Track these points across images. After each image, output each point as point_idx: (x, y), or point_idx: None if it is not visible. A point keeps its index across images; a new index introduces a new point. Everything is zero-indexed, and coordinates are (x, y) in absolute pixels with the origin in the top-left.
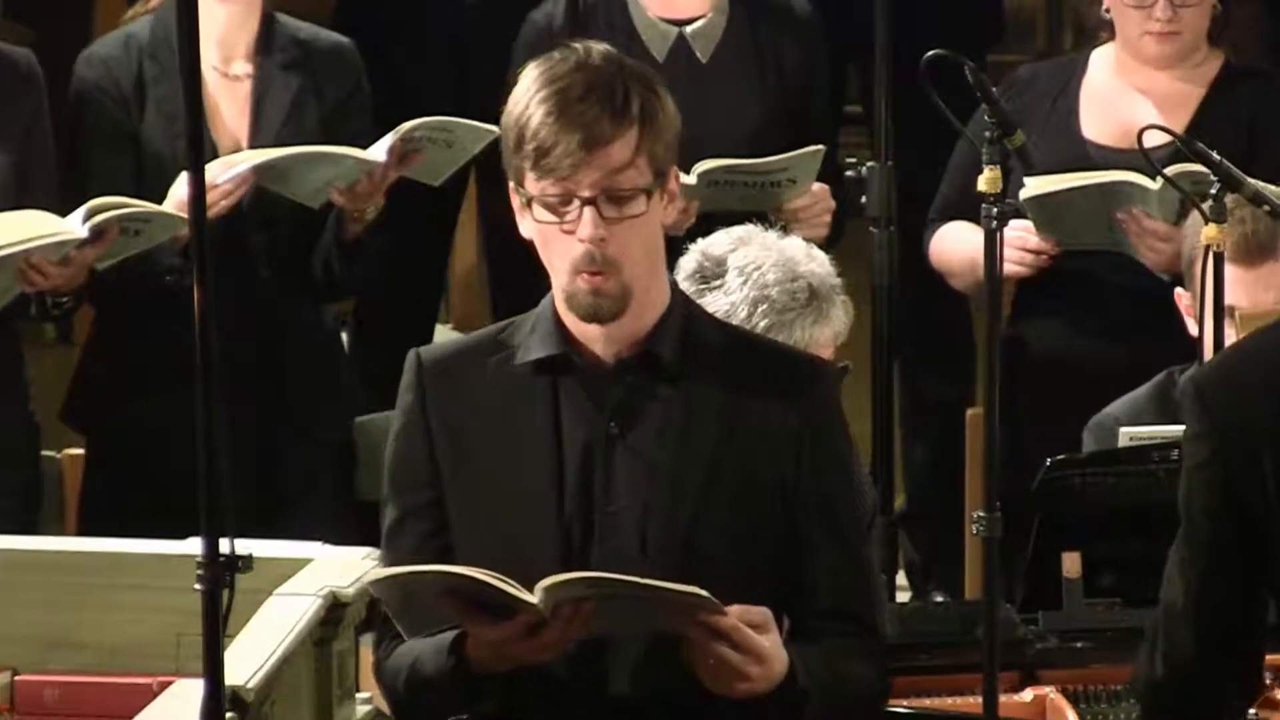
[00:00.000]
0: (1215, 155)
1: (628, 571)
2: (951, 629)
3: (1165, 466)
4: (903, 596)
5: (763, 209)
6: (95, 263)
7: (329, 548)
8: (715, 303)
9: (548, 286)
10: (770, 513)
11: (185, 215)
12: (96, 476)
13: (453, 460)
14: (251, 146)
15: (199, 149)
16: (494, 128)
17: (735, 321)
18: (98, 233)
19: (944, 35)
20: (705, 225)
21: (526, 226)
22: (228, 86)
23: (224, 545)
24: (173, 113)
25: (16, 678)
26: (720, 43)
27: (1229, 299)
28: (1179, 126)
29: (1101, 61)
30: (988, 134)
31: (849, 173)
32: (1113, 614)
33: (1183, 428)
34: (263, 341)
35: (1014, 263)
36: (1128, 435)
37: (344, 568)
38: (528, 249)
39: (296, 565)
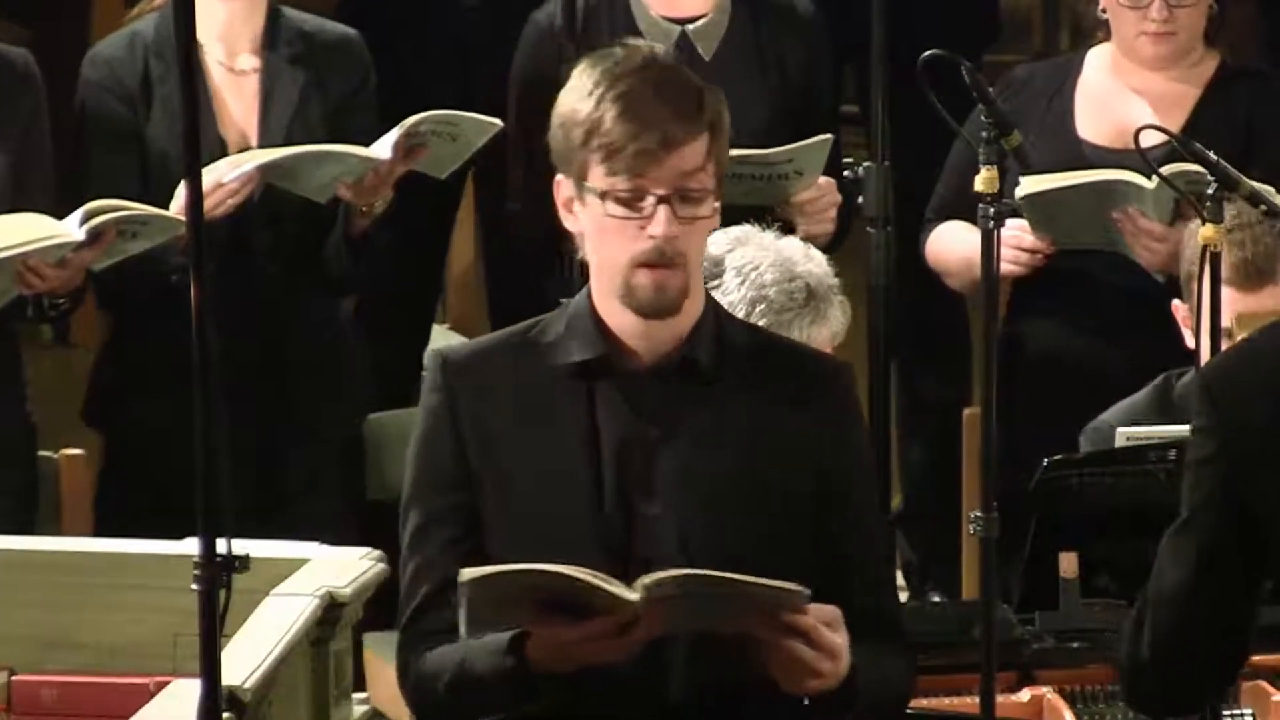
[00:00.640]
0: (1212, 155)
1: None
2: (948, 629)
3: (1162, 467)
4: (900, 597)
5: (770, 203)
6: (92, 265)
7: (326, 548)
8: None
9: (545, 286)
10: (802, 513)
11: (183, 218)
12: (110, 476)
13: (484, 461)
14: (259, 142)
15: (195, 149)
16: (497, 121)
17: None
18: (95, 235)
19: (941, 35)
20: None
21: (576, 220)
22: (234, 82)
23: (221, 545)
24: (179, 111)
25: (14, 678)
26: (723, 41)
27: (1227, 321)
28: (1175, 127)
29: (1097, 62)
30: (984, 134)
31: (846, 173)
32: (1110, 614)
33: (1180, 428)
34: (269, 339)
35: (1009, 262)
36: (1125, 435)
37: (341, 568)
38: (526, 249)
39: (293, 565)
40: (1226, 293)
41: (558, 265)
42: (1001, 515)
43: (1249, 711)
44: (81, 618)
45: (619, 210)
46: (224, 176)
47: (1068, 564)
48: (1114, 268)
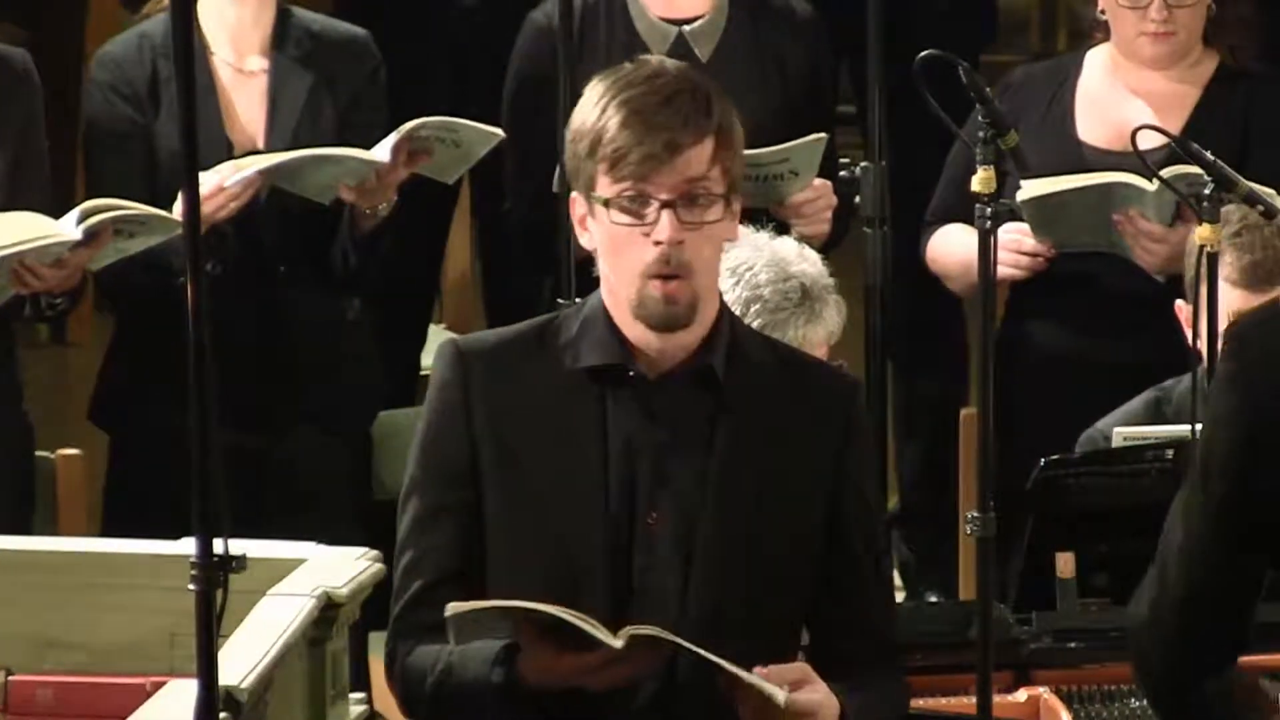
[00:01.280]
0: (1209, 155)
1: (670, 583)
2: (945, 629)
3: (1159, 467)
4: (897, 597)
5: (766, 204)
6: (89, 264)
7: (323, 548)
8: None
9: (542, 287)
10: (809, 528)
11: (178, 219)
12: (118, 476)
13: (495, 457)
14: (266, 143)
15: (193, 150)
16: (499, 130)
17: None
18: (91, 235)
19: (938, 35)
20: None
21: (589, 237)
22: (242, 83)
23: (218, 545)
24: None
25: (10, 678)
26: (720, 42)
27: (1225, 321)
28: (1174, 128)
29: (1097, 62)
30: (981, 134)
31: (843, 173)
32: (1106, 614)
33: (1177, 428)
34: (278, 337)
35: (1010, 266)
36: (1121, 435)
37: (338, 568)
38: (522, 250)
39: (290, 565)
40: (1233, 293)
41: (552, 265)
42: (998, 515)
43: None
44: (78, 618)
45: (624, 218)
46: (226, 180)
47: (1064, 564)
48: (1114, 270)
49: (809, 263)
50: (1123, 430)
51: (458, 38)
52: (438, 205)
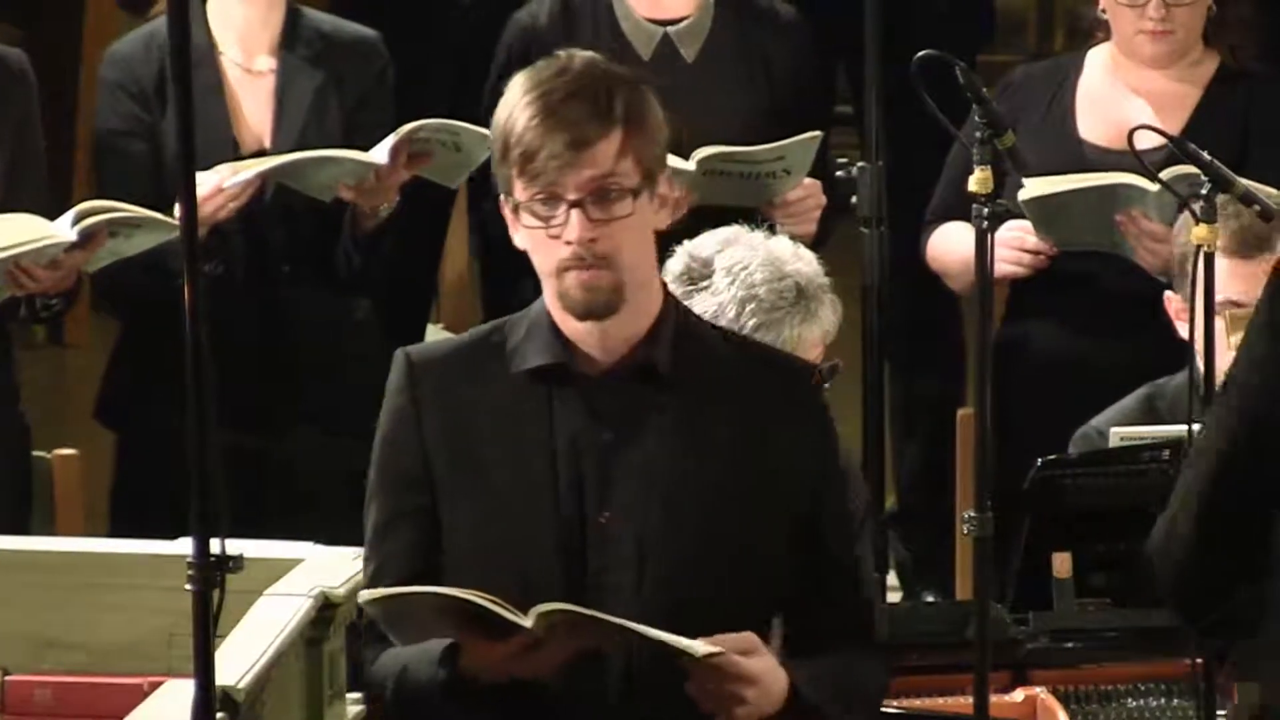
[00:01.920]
0: (1205, 155)
1: (625, 581)
2: (942, 629)
3: (1156, 467)
4: (894, 596)
5: (757, 203)
6: (84, 266)
7: (320, 548)
8: (703, 303)
9: (539, 288)
10: (768, 517)
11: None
12: (124, 475)
13: (447, 463)
14: (273, 142)
15: (190, 150)
16: None
17: (723, 322)
18: (87, 236)
19: (936, 35)
20: (693, 226)
21: (519, 236)
22: (250, 83)
23: (214, 545)
24: (195, 108)
25: (7, 678)
26: (706, 43)
27: (1225, 293)
28: (1175, 127)
29: (1098, 61)
30: (978, 134)
31: (839, 173)
32: (1103, 614)
33: (1173, 428)
34: (280, 337)
35: (1011, 263)
36: (1118, 435)
37: (335, 568)
38: (519, 251)
39: (287, 565)
40: (1223, 263)
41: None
42: (996, 515)
43: None
44: (75, 618)
45: (534, 221)
46: (225, 181)
47: (1061, 564)
48: (1114, 269)
49: (804, 262)
50: (1119, 430)
51: (458, 38)
52: (436, 206)
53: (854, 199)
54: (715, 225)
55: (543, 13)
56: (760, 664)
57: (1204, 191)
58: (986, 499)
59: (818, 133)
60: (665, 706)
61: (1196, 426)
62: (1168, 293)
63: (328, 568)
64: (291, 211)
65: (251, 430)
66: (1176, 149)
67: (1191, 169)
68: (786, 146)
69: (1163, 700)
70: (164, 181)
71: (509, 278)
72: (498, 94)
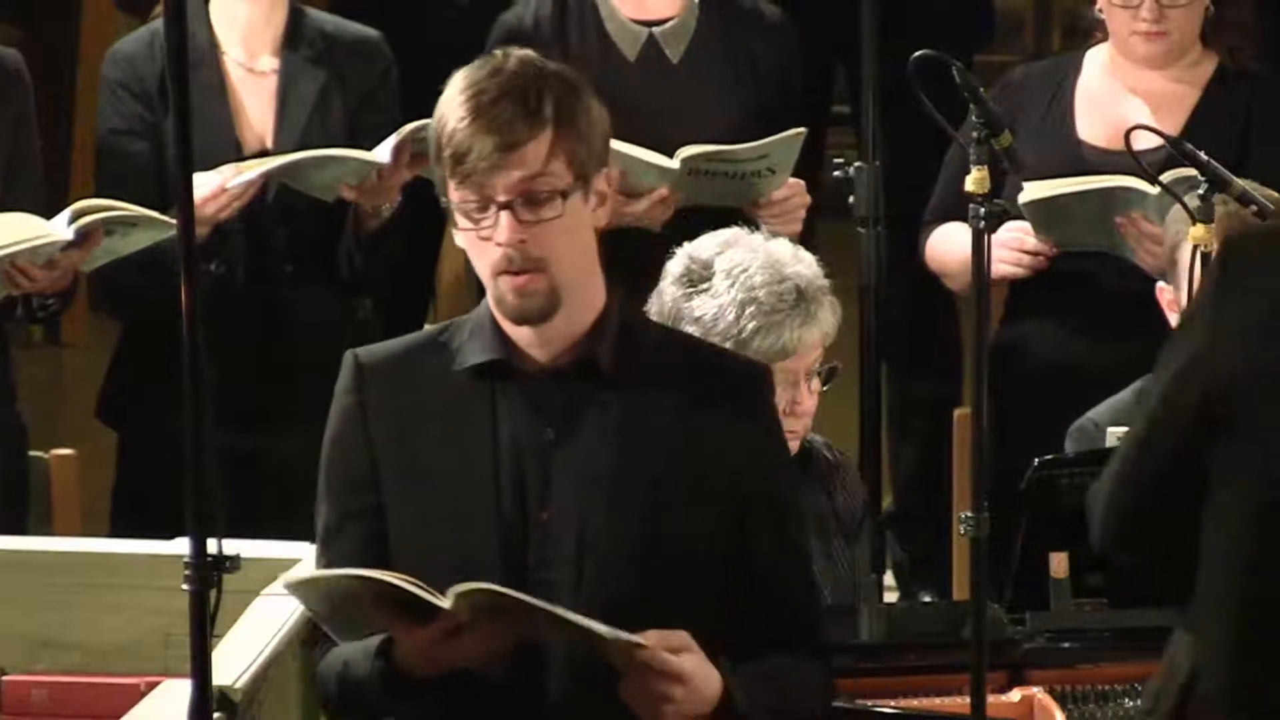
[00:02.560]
0: (1202, 155)
1: (563, 578)
2: (939, 629)
3: None
4: (890, 597)
5: (742, 203)
6: (81, 266)
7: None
8: (703, 306)
9: None
10: (710, 516)
11: (173, 220)
12: (126, 474)
13: (394, 463)
14: (276, 142)
15: (188, 150)
16: None
17: (723, 324)
18: (83, 235)
19: (934, 35)
20: (689, 226)
21: (458, 238)
22: (253, 83)
23: (211, 545)
24: (198, 108)
25: (4, 678)
26: (691, 43)
27: None
28: (1174, 128)
29: (1097, 62)
30: (975, 135)
31: (837, 173)
32: (1100, 614)
33: None
34: (280, 337)
35: (1010, 264)
36: (1115, 435)
37: None
38: None
39: (284, 565)
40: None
41: None
42: (992, 515)
43: None
44: (72, 618)
45: (465, 223)
46: (229, 181)
47: (1058, 564)
48: (1113, 270)
49: (804, 264)
50: (1116, 430)
51: (458, 38)
52: (434, 206)
53: (851, 199)
54: (714, 226)
55: (528, 14)
56: (690, 662)
57: (1200, 191)
58: (983, 499)
59: (801, 130)
60: (607, 703)
61: None
62: (1160, 284)
63: None
64: (293, 211)
65: (251, 430)
66: (1173, 149)
67: (1191, 171)
68: (769, 145)
69: None
70: (167, 181)
71: None
72: None
